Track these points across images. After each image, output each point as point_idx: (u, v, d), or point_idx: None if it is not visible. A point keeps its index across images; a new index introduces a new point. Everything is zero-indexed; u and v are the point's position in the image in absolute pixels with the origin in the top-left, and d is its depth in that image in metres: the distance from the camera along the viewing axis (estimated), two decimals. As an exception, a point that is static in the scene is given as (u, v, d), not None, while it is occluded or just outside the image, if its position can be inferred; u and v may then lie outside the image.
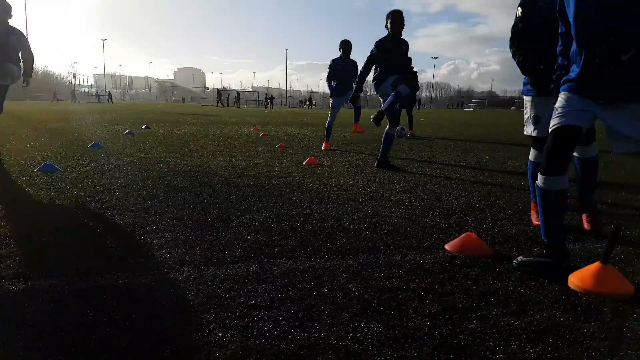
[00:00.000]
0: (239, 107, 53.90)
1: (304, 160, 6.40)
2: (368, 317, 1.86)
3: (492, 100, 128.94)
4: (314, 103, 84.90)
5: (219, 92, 57.64)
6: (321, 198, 4.09)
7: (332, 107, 8.48)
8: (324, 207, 3.75)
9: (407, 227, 3.19)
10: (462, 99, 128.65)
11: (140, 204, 3.75)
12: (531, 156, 3.40)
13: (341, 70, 8.18)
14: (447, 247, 2.75)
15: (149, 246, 2.70)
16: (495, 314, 1.91)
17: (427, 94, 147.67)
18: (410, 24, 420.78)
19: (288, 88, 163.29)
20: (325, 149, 8.20)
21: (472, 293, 2.11)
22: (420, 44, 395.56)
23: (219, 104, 53.37)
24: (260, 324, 1.79)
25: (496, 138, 11.71)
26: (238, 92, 60.30)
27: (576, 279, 2.22)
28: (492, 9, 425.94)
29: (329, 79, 8.30)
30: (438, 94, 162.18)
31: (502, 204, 3.95)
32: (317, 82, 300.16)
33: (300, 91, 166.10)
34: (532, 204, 3.38)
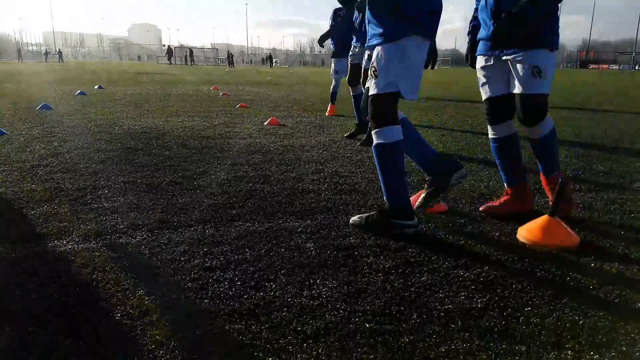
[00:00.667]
0: (193, 64, 52.03)
1: (265, 121, 6.31)
2: (324, 275, 1.88)
3: (456, 58, 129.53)
4: (275, 61, 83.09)
5: (170, 50, 55.55)
6: (282, 159, 4.05)
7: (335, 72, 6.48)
8: (285, 168, 3.73)
9: (366, 187, 3.21)
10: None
11: (91, 167, 3.62)
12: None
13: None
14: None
15: (100, 210, 2.62)
16: (446, 266, 1.97)
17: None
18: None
19: (249, 45, 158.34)
20: (329, 114, 7.32)
21: (425, 248, 2.16)
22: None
23: (170, 62, 51.77)
24: (215, 286, 1.78)
25: (459, 96, 11.84)
26: (191, 50, 57.63)
27: (524, 232, 2.30)
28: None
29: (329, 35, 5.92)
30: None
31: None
32: (280, 39, 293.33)
33: (262, 48, 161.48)
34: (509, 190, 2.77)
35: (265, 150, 4.42)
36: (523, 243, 2.26)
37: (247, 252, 2.10)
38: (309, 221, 2.51)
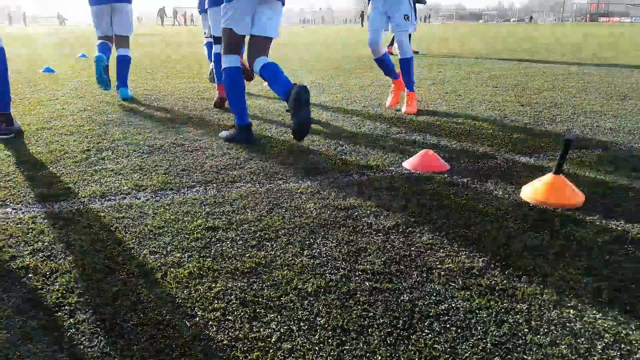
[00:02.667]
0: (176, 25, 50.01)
1: (264, 82, 6.20)
2: (324, 234, 1.89)
3: (460, 13, 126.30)
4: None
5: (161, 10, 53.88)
6: (283, 120, 4.02)
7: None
8: (284, 129, 3.70)
9: (367, 147, 3.19)
10: (430, 12, 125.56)
11: (94, 129, 3.61)
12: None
13: None
14: (405, 164, 2.78)
15: (104, 172, 2.63)
16: (447, 225, 1.98)
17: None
18: None
19: None
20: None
21: (426, 207, 2.16)
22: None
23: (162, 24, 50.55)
24: (218, 245, 1.80)
25: (460, 53, 11.58)
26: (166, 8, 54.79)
27: (529, 191, 2.29)
28: None
29: None
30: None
31: (461, 120, 3.98)
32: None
33: None
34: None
35: (265, 111, 4.38)
36: (527, 202, 2.25)
37: (249, 212, 2.11)
38: (308, 182, 2.51)
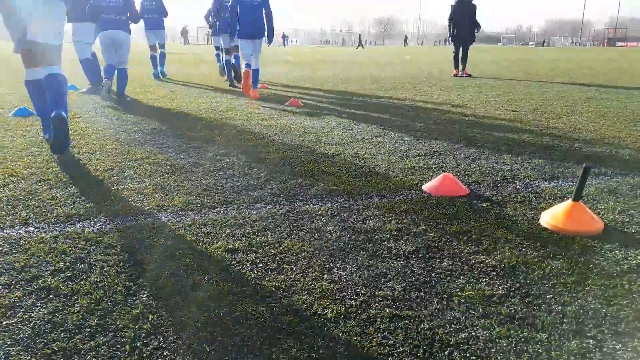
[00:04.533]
0: (187, 43, 50.98)
1: (286, 102, 6.30)
2: (344, 258, 1.90)
3: (479, 36, 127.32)
4: (294, 41, 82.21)
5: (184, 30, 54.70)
6: (302, 141, 4.06)
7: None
8: (305, 149, 3.74)
9: (387, 169, 3.21)
10: (447, 35, 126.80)
11: (117, 148, 3.69)
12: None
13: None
14: (424, 188, 2.78)
15: (127, 191, 2.68)
16: (467, 252, 1.97)
17: (414, 30, 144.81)
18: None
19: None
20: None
21: (446, 232, 2.16)
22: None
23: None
24: (238, 267, 1.82)
25: (479, 74, 11.59)
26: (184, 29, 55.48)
27: (548, 217, 2.28)
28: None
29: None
30: (425, 30, 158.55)
31: (480, 144, 3.98)
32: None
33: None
34: None
35: (285, 132, 4.43)
36: (546, 229, 2.23)
37: (269, 234, 2.13)
38: (329, 204, 2.53)
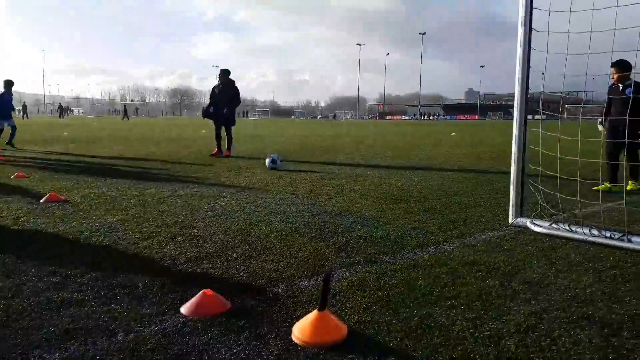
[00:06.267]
0: None
1: (43, 197, 5.51)
2: None
3: (274, 110, 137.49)
4: (76, 110, 76.89)
5: None
6: (46, 257, 3.52)
7: None
8: (46, 271, 3.23)
9: (144, 286, 2.95)
10: (247, 107, 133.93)
11: None
12: None
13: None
14: (183, 310, 2.59)
15: None
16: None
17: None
18: (187, 30, 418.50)
19: (47, 94, 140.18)
20: None
21: (193, 370, 2.00)
22: (198, 51, 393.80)
23: None
24: None
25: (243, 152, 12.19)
26: None
27: (297, 331, 2.30)
28: (264, 22, 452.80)
29: None
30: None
31: (254, 239, 4.01)
32: (86, 86, 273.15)
33: (63, 97, 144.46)
34: None
35: (32, 240, 3.82)
36: (296, 344, 2.25)
37: None
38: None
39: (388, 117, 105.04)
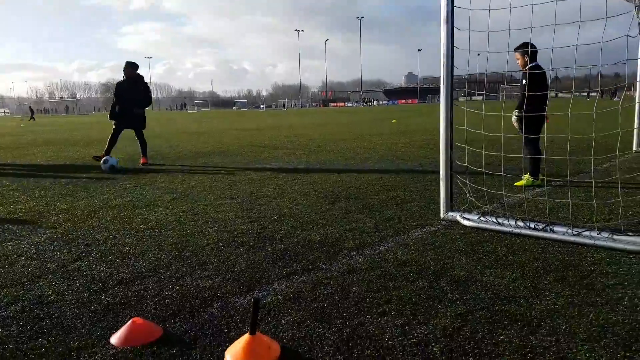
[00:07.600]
0: None
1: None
2: None
3: (214, 101, 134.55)
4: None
5: None
6: (-28, 286, 3.31)
7: None
8: None
9: (73, 315, 2.84)
10: (185, 100, 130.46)
11: None
12: None
13: None
14: (113, 340, 2.53)
15: None
16: None
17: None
18: (113, 21, 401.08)
19: None
20: None
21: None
22: (128, 42, 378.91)
23: None
24: None
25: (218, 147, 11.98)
26: None
27: (230, 357, 2.31)
28: (196, 10, 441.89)
29: None
30: (160, 95, 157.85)
31: (189, 252, 3.95)
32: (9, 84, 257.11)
33: None
34: None
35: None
36: (230, 370, 2.25)
37: None
38: None
39: (332, 104, 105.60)
